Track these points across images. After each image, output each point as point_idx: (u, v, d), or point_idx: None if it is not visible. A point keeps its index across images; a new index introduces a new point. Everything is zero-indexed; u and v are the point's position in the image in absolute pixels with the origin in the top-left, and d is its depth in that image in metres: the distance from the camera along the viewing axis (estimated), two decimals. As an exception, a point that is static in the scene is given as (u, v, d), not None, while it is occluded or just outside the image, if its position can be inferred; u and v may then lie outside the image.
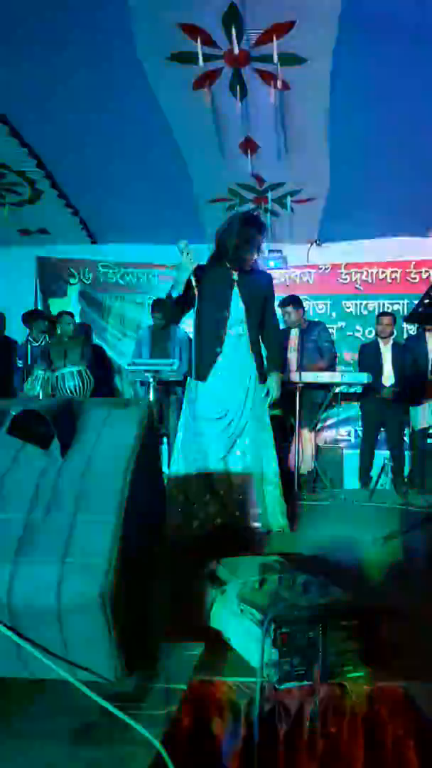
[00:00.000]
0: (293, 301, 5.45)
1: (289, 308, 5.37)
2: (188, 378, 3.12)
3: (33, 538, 1.09)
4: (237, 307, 3.06)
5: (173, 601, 1.55)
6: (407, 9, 3.15)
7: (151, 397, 4.99)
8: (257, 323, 3.13)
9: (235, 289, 3.07)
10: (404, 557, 2.66)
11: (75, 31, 3.34)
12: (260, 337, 3.18)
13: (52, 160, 4.79)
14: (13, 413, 1.26)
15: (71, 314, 5.90)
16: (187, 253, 2.92)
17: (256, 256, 3.13)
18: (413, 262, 6.21)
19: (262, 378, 3.13)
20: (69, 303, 6.44)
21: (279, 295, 6.21)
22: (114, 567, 1.05)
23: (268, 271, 6.21)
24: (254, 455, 3.02)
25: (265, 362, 3.19)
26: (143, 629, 1.25)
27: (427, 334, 5.49)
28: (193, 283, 2.92)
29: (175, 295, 2.95)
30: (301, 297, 5.60)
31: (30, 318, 5.97)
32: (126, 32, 3.33)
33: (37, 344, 5.88)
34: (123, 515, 1.09)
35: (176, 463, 3.00)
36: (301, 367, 4.98)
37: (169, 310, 3.15)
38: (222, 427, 2.95)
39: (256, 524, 2.96)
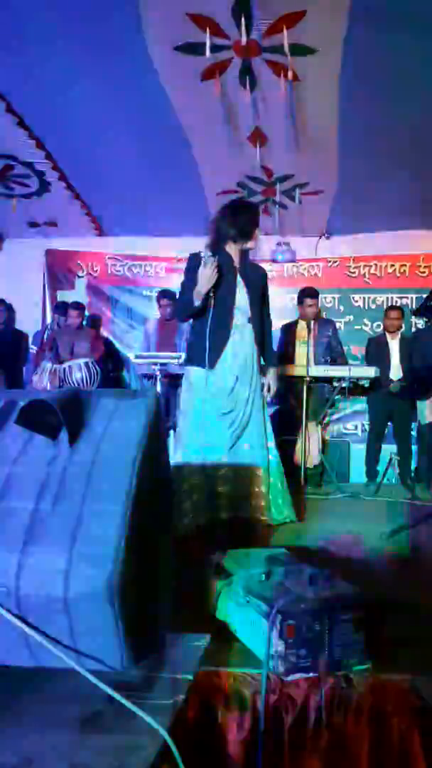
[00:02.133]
0: (313, 293, 5.40)
1: (309, 300, 5.34)
2: (189, 366, 3.06)
3: (41, 527, 1.10)
4: (241, 294, 3.05)
5: (180, 591, 1.56)
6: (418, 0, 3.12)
7: (158, 389, 5.00)
8: (259, 313, 3.13)
9: (238, 277, 3.06)
10: (410, 551, 2.66)
11: (83, 21, 3.32)
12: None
13: (60, 152, 4.79)
14: (22, 404, 1.26)
15: (81, 306, 5.90)
16: (212, 265, 2.88)
17: (255, 241, 3.12)
18: (422, 256, 6.17)
19: (261, 371, 3.14)
20: (77, 295, 6.45)
21: (287, 288, 6.25)
22: (121, 557, 1.05)
23: (277, 264, 6.27)
24: (260, 447, 3.02)
25: (265, 355, 3.20)
26: (150, 619, 1.25)
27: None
28: (210, 292, 2.92)
29: (197, 305, 2.90)
30: (309, 291, 5.58)
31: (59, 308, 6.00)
32: (134, 22, 3.31)
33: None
34: (131, 505, 1.09)
35: (180, 453, 2.98)
36: (314, 361, 4.98)
37: (185, 314, 3.09)
38: (231, 421, 2.95)
39: (264, 517, 2.95)
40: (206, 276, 2.86)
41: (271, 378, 3.23)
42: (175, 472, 2.92)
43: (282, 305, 6.26)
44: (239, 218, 3.05)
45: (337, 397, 5.42)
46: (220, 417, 2.93)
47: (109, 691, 1.03)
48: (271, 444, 3.14)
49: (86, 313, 6.21)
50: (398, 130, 4.25)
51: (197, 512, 2.84)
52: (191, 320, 3.12)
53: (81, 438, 1.23)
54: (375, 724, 1.38)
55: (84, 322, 5.90)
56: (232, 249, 3.08)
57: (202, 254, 2.92)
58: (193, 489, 2.87)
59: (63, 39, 3.47)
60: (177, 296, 3.14)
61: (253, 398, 3.03)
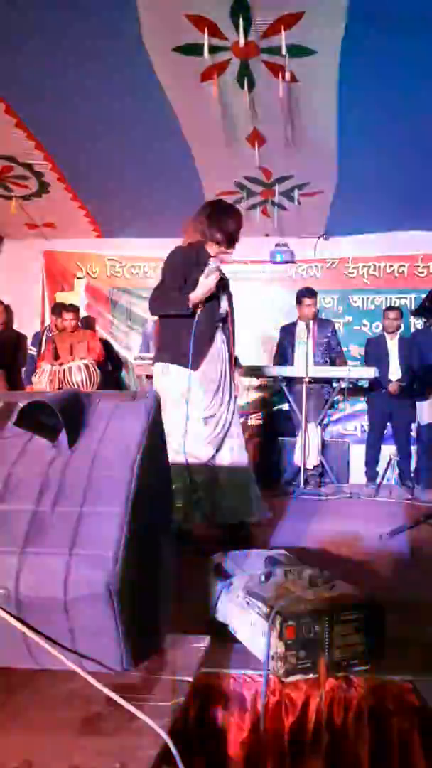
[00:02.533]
0: (311, 293, 5.42)
1: (308, 300, 5.36)
2: (170, 364, 2.94)
3: (40, 529, 1.09)
4: (222, 297, 3.04)
5: (179, 593, 1.56)
6: (416, 1, 3.12)
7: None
8: (231, 315, 3.13)
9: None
10: (410, 552, 2.66)
11: (81, 21, 3.32)
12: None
13: (59, 153, 4.79)
14: (21, 405, 1.26)
15: (75, 308, 5.90)
16: (215, 276, 2.87)
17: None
18: (421, 257, 6.18)
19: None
20: (76, 297, 6.45)
21: (286, 288, 6.26)
22: (121, 558, 1.05)
23: (276, 265, 6.27)
24: (241, 448, 3.01)
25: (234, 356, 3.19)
26: (150, 621, 1.25)
27: (435, 328, 5.47)
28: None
29: (187, 312, 2.86)
30: (307, 291, 5.59)
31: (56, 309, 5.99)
32: (132, 23, 3.31)
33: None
34: (131, 507, 1.09)
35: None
36: (314, 362, 4.99)
37: (164, 312, 3.00)
38: (215, 424, 2.92)
39: (250, 518, 2.92)
40: (208, 286, 2.84)
41: (238, 379, 3.25)
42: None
43: (281, 306, 6.27)
44: (229, 223, 3.01)
45: (336, 397, 5.43)
46: (203, 419, 2.89)
47: (109, 692, 1.03)
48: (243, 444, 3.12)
49: (85, 313, 6.22)
50: (397, 131, 4.25)
51: (188, 514, 2.80)
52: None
53: (81, 439, 1.23)
54: (375, 725, 1.38)
55: (78, 324, 5.89)
56: (212, 250, 3.03)
57: (211, 265, 2.88)
58: (180, 490, 2.82)
59: (62, 40, 3.48)
60: (157, 290, 3.04)
61: (231, 400, 3.01)
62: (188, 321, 2.86)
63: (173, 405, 2.83)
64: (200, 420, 2.87)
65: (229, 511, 2.85)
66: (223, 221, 3.00)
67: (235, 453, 2.95)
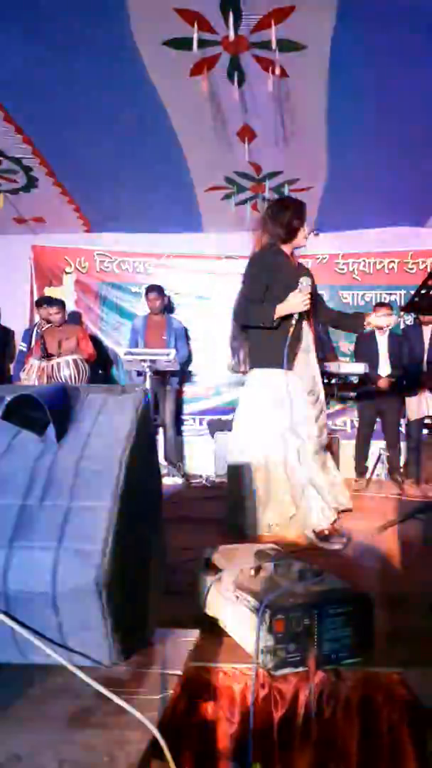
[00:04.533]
0: None
1: None
2: (261, 368, 2.95)
3: (28, 524, 1.09)
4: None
5: (169, 587, 1.55)
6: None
7: (148, 386, 4.99)
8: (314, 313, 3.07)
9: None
10: (400, 546, 2.67)
11: (70, 14, 3.29)
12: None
13: (48, 147, 4.76)
14: (8, 399, 1.25)
15: (60, 302, 5.86)
16: (307, 291, 2.82)
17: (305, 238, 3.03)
18: (411, 253, 6.21)
19: None
20: (65, 292, 6.42)
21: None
22: (110, 553, 1.04)
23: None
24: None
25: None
26: (139, 615, 1.24)
27: (424, 325, 5.50)
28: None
29: (274, 325, 2.83)
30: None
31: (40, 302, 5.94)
32: (122, 15, 3.29)
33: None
34: (119, 501, 1.09)
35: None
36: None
37: (252, 325, 2.96)
38: (315, 425, 3.01)
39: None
40: (299, 302, 2.80)
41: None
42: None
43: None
44: (285, 215, 2.95)
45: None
46: (303, 420, 2.88)
47: (98, 686, 1.02)
48: None
49: (74, 309, 6.18)
50: (387, 127, 4.26)
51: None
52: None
53: (68, 433, 1.22)
54: (365, 718, 1.39)
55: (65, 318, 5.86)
56: (286, 248, 2.99)
57: (302, 282, 2.82)
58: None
59: (51, 34, 3.45)
60: (242, 298, 2.99)
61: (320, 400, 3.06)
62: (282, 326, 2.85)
63: (275, 407, 2.84)
64: (299, 420, 2.87)
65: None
66: (280, 215, 2.96)
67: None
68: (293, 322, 2.84)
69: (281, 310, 2.80)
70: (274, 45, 3.46)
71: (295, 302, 2.79)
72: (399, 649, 1.55)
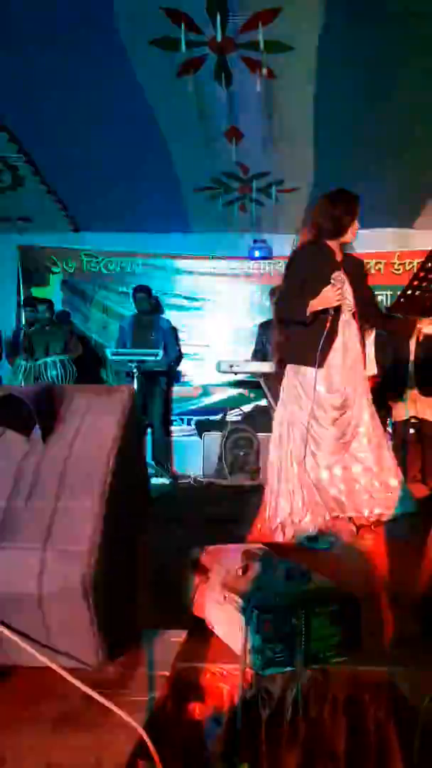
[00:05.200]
0: None
1: None
2: (289, 363, 2.94)
3: (14, 524, 1.08)
4: (346, 290, 2.90)
5: (156, 588, 1.55)
6: (392, -2, 3.15)
7: (135, 386, 4.97)
8: (363, 304, 2.96)
9: (342, 273, 2.91)
10: (386, 545, 2.68)
11: (56, 12, 3.27)
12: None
13: (34, 147, 4.73)
14: (-6, 399, 1.24)
15: (49, 302, 5.83)
16: (339, 288, 2.76)
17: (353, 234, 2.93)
18: (397, 254, 6.24)
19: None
20: (51, 292, 6.38)
21: (264, 284, 6.27)
22: (96, 553, 1.04)
23: (253, 261, 6.28)
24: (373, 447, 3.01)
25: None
26: (126, 616, 1.24)
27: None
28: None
29: (306, 319, 2.79)
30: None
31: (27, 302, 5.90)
32: (108, 14, 3.27)
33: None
34: (105, 501, 1.08)
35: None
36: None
37: (287, 320, 2.96)
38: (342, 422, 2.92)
39: None
40: (332, 296, 2.74)
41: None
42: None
43: (258, 303, 6.30)
44: (335, 209, 2.86)
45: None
46: (319, 419, 2.85)
47: (85, 688, 1.02)
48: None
49: (59, 308, 6.16)
50: (373, 128, 4.28)
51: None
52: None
53: (55, 434, 1.21)
54: (351, 717, 1.39)
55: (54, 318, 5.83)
56: (333, 243, 2.92)
57: (334, 276, 2.79)
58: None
59: (37, 31, 3.42)
60: (280, 294, 2.99)
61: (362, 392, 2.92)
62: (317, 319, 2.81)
63: (295, 403, 2.87)
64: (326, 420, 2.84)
65: None
66: (330, 209, 2.87)
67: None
68: (329, 317, 2.79)
69: (314, 304, 2.76)
70: (261, 46, 3.46)
71: (328, 296, 2.75)
72: (385, 648, 1.56)
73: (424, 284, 2.58)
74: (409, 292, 2.63)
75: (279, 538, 2.79)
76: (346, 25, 3.33)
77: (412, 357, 5.10)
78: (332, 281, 2.79)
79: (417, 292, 2.61)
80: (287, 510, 2.85)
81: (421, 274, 2.54)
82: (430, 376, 5.01)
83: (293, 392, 2.93)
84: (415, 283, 2.58)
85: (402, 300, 2.80)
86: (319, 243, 2.92)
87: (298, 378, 2.90)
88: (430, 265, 2.49)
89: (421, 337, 5.00)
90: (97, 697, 1.01)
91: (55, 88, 3.93)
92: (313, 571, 1.60)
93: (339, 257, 2.93)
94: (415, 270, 2.61)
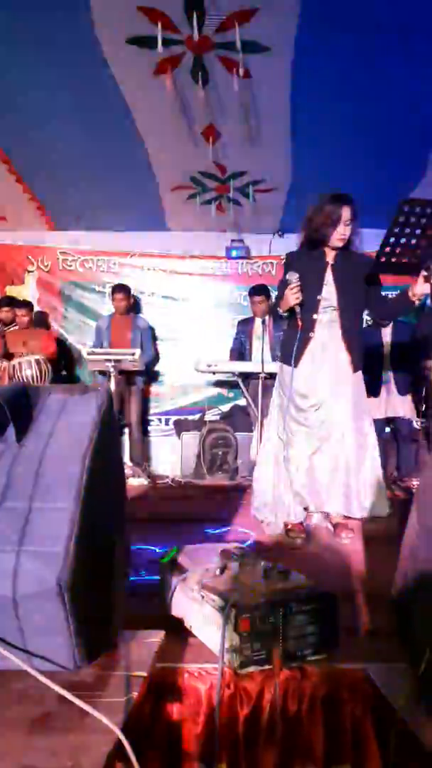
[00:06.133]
0: (258, 291, 5.48)
1: (260, 297, 5.42)
2: (280, 363, 3.07)
3: (-12, 526, 1.06)
4: (329, 291, 2.91)
5: (134, 589, 1.54)
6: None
7: (112, 386, 4.94)
8: (354, 303, 2.95)
9: (328, 275, 2.92)
10: (362, 542, 2.71)
11: (30, 9, 3.24)
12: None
13: (9, 144, 4.67)
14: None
15: (28, 304, 5.76)
16: (295, 287, 2.78)
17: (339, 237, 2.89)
18: (374, 254, 6.28)
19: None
20: (27, 290, 6.31)
21: (241, 285, 6.28)
22: (72, 555, 1.03)
23: (231, 261, 6.28)
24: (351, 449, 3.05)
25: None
26: (103, 617, 1.23)
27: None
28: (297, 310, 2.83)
29: (283, 315, 2.94)
30: (262, 288, 5.63)
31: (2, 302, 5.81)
32: (84, 12, 3.25)
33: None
34: (81, 502, 1.07)
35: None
36: (270, 357, 5.04)
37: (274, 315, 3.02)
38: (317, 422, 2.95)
39: None
40: (287, 297, 2.80)
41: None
42: None
43: (236, 302, 6.31)
44: (314, 221, 2.91)
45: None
46: (293, 418, 2.93)
47: (61, 690, 1.01)
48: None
49: (36, 308, 6.09)
50: (350, 129, 4.31)
51: None
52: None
53: (29, 434, 1.20)
54: (329, 713, 1.40)
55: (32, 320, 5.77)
56: (326, 247, 2.94)
57: (291, 277, 2.81)
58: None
59: (11, 28, 3.38)
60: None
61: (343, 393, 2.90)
62: (292, 321, 2.91)
63: (278, 398, 3.01)
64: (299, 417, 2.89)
65: None
66: (311, 217, 2.93)
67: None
68: (297, 317, 2.84)
69: (281, 305, 2.88)
70: (238, 46, 3.46)
71: (286, 297, 2.81)
72: (363, 645, 1.57)
73: (402, 240, 2.52)
74: (388, 249, 2.59)
75: (265, 530, 2.92)
76: (321, 26, 3.34)
77: (386, 354, 5.15)
78: (288, 281, 2.81)
79: (397, 249, 2.56)
80: (265, 502, 3.01)
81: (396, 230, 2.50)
82: (404, 374, 5.07)
83: (277, 389, 3.05)
84: (391, 239, 2.54)
85: (382, 259, 2.77)
86: (308, 247, 2.98)
87: (282, 375, 3.00)
88: (401, 219, 2.45)
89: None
90: (73, 699, 1.00)
91: (31, 85, 3.89)
92: (291, 570, 1.61)
93: (330, 259, 2.94)
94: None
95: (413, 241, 2.54)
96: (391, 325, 5.13)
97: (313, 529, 2.99)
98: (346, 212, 2.88)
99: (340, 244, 2.90)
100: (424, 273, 2.62)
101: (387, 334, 5.16)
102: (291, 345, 2.87)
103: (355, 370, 2.93)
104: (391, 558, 1.66)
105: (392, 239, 2.54)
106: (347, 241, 2.92)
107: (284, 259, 3.15)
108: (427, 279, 2.60)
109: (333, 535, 2.86)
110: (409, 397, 5.12)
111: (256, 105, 4.13)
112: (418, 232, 2.51)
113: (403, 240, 2.53)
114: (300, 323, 2.84)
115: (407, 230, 2.50)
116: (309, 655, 1.43)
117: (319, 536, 2.89)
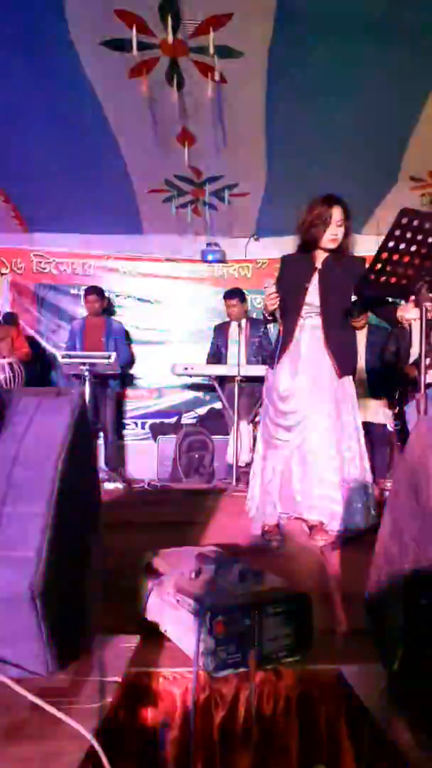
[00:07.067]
0: (233, 294, 5.51)
1: (235, 301, 5.45)
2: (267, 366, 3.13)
3: (-41, 531, 1.05)
4: (313, 296, 2.89)
5: (109, 593, 1.53)
6: (342, 5, 3.20)
7: (87, 390, 4.91)
8: (341, 306, 2.91)
9: (315, 280, 2.90)
10: (341, 544, 2.72)
11: (3, 11, 3.21)
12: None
13: (-18, 145, 4.61)
14: None
15: None
16: (271, 294, 2.76)
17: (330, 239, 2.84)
18: (365, 256, 6.33)
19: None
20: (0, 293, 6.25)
21: (217, 288, 6.29)
22: (45, 559, 1.02)
23: (207, 264, 6.29)
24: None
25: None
26: (77, 622, 1.22)
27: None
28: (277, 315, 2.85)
29: (268, 317, 2.97)
30: (238, 291, 5.65)
31: None
32: (58, 13, 3.23)
33: None
34: (54, 506, 1.06)
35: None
36: (247, 361, 5.07)
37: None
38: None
39: None
40: (264, 302, 2.84)
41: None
42: None
43: (212, 306, 6.31)
44: (303, 224, 2.88)
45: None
46: (273, 421, 2.97)
47: (33, 697, 1.00)
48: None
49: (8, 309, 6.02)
50: (324, 133, 4.34)
51: None
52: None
53: (1, 437, 1.19)
54: (304, 714, 1.41)
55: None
56: (316, 251, 2.91)
57: (267, 284, 2.82)
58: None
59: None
60: None
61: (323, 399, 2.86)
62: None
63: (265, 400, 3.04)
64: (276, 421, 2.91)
65: None
66: (302, 221, 2.90)
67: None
68: (279, 322, 2.88)
69: (264, 309, 2.91)
70: (212, 51, 3.48)
71: (264, 302, 2.85)
72: (337, 646, 1.58)
73: (394, 256, 2.38)
74: (378, 266, 2.44)
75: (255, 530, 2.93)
76: (296, 32, 3.37)
77: (362, 362, 5.19)
78: (264, 287, 2.83)
79: (388, 267, 2.43)
80: (252, 502, 3.07)
81: (389, 246, 2.37)
82: (378, 380, 5.11)
83: (265, 392, 3.10)
84: (384, 255, 2.39)
85: (358, 303, 2.78)
86: (298, 252, 2.98)
87: (267, 377, 3.07)
88: (397, 233, 2.32)
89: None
90: (45, 706, 0.99)
91: (3, 87, 3.85)
92: (266, 572, 1.61)
93: (319, 263, 2.93)
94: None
95: (405, 259, 2.41)
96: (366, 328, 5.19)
97: (289, 531, 3.00)
98: (336, 213, 2.85)
99: (332, 246, 2.87)
100: (412, 298, 2.55)
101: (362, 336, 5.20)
102: (276, 349, 2.94)
103: (342, 375, 2.90)
104: (365, 558, 1.67)
105: (384, 254, 2.40)
106: (340, 244, 2.88)
107: (280, 264, 3.15)
108: (416, 303, 2.52)
109: (309, 537, 2.88)
110: (383, 401, 5.17)
111: (231, 109, 4.15)
112: (413, 249, 2.38)
113: (395, 257, 2.40)
114: (281, 327, 2.87)
115: (402, 246, 2.37)
116: (284, 656, 1.43)
117: (295, 538, 2.90)
